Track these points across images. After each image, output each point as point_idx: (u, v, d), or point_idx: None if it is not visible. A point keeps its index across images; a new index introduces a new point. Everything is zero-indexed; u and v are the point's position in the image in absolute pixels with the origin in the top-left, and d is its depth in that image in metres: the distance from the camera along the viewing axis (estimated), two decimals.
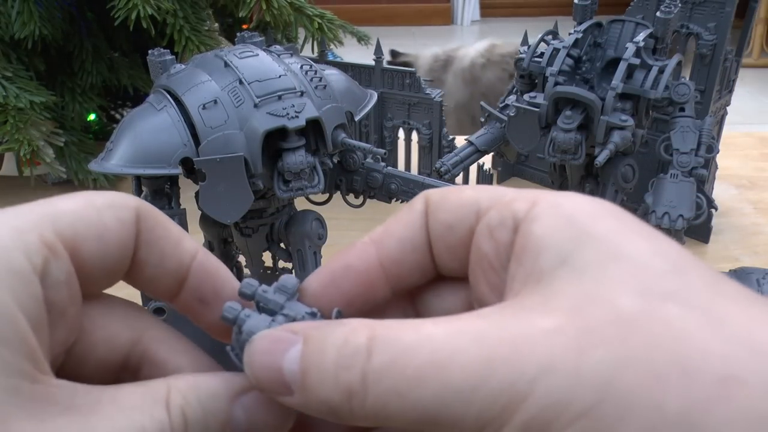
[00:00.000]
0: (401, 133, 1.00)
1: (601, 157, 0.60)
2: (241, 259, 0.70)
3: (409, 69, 0.94)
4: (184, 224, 0.53)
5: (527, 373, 0.17)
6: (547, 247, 0.20)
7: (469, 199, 0.23)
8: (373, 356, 0.19)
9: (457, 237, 0.23)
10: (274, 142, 0.50)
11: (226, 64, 0.51)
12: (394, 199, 0.60)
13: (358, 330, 0.19)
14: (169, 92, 0.52)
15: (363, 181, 0.60)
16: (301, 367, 0.20)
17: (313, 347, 0.20)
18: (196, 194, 0.52)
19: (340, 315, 0.23)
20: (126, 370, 0.23)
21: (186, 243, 0.23)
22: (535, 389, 0.17)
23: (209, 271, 0.23)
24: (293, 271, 0.59)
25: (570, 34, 0.67)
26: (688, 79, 0.72)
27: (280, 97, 0.50)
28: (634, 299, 0.18)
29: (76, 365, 0.22)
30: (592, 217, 0.23)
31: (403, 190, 0.59)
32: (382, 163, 0.60)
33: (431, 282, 0.25)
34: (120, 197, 0.22)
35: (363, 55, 1.05)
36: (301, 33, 0.99)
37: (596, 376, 0.17)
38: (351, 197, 0.61)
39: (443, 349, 0.18)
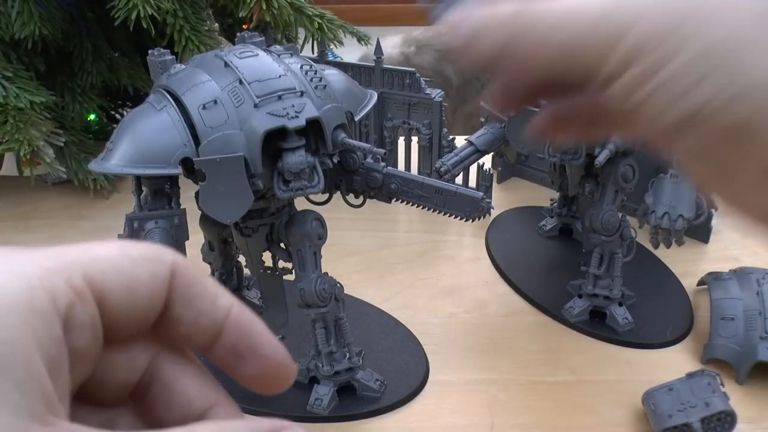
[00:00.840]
0: (401, 133, 1.00)
1: (601, 157, 0.60)
2: (241, 259, 0.70)
3: (409, 69, 0.94)
4: (184, 224, 0.53)
5: (629, 15, 0.23)
6: None
7: None
8: (528, 12, 0.25)
9: None
10: (274, 142, 0.50)
11: (226, 64, 0.51)
12: (394, 199, 0.60)
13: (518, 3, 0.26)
14: (169, 92, 0.52)
15: (363, 181, 0.59)
16: (481, 22, 0.27)
17: (492, 9, 0.26)
18: (196, 194, 0.52)
19: None
20: (137, 388, 0.23)
21: (221, 299, 0.23)
22: (635, 24, 0.23)
23: (244, 327, 0.23)
24: (293, 271, 0.59)
25: None
26: None
27: (280, 97, 0.50)
28: None
29: (93, 387, 0.22)
30: None
31: (403, 190, 0.59)
32: (382, 163, 0.60)
33: None
34: (157, 251, 0.22)
35: (363, 56, 1.04)
36: (301, 33, 0.99)
37: (684, 6, 0.22)
38: (351, 197, 0.61)
39: (573, 4, 0.24)
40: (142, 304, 0.21)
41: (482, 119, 0.75)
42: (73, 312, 0.19)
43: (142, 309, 0.21)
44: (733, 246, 0.86)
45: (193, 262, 0.55)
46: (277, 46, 0.56)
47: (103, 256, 0.20)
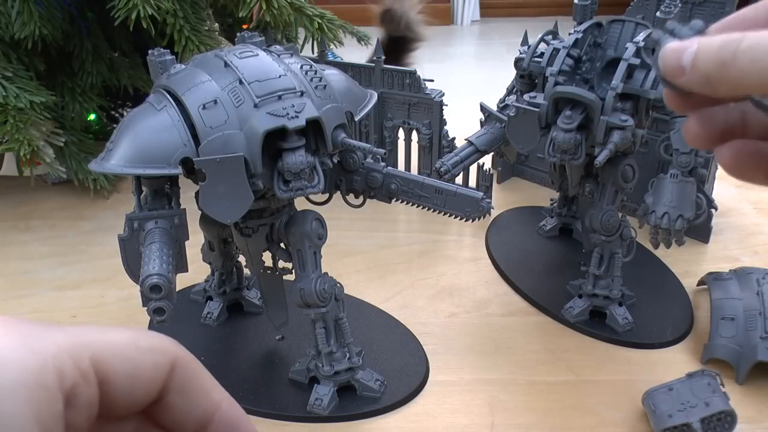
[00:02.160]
0: (401, 133, 1.00)
1: (601, 157, 0.60)
2: (241, 259, 0.70)
3: (409, 69, 0.94)
4: (184, 224, 0.53)
5: None
6: None
7: None
8: (743, 42, 0.27)
9: None
10: (274, 142, 0.50)
11: (226, 64, 0.51)
12: (394, 199, 0.60)
13: (736, 33, 0.28)
14: (169, 92, 0.52)
15: (363, 181, 0.59)
16: (695, 54, 0.29)
17: (704, 43, 0.29)
18: (196, 194, 0.52)
19: None
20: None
21: (214, 393, 0.25)
22: None
23: (232, 422, 0.25)
24: (293, 270, 0.59)
25: (570, 34, 0.67)
26: None
27: (280, 97, 0.50)
28: None
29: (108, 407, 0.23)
30: None
31: (403, 190, 0.59)
32: (382, 163, 0.60)
33: None
34: (163, 343, 0.24)
35: (363, 56, 1.05)
36: (301, 33, 0.99)
37: None
38: (351, 197, 0.61)
39: None
40: (140, 392, 0.23)
41: (482, 119, 0.75)
42: (76, 391, 0.21)
43: (138, 395, 0.23)
44: (733, 246, 0.86)
45: (193, 260, 0.55)
46: (277, 46, 0.56)
47: (115, 342, 0.22)
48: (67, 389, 0.21)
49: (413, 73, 0.94)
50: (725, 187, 0.96)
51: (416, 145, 0.98)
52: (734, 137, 0.32)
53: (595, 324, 0.72)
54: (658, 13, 0.66)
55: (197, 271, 0.70)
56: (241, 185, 0.49)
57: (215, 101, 0.49)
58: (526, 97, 0.66)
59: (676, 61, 0.30)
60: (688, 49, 0.30)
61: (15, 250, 0.89)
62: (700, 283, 0.77)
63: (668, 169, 0.65)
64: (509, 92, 0.82)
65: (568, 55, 0.65)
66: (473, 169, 0.92)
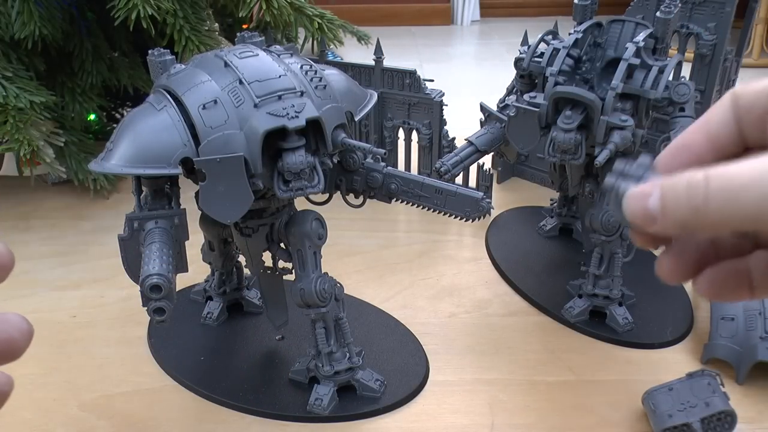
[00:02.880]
0: (401, 133, 1.00)
1: (601, 157, 0.60)
2: (241, 259, 0.70)
3: (409, 69, 0.94)
4: (184, 224, 0.53)
5: None
6: None
7: (762, 88, 0.32)
8: (710, 183, 0.28)
9: (755, 116, 0.32)
10: (274, 142, 0.50)
11: (226, 64, 0.51)
12: (394, 199, 0.60)
13: (696, 173, 0.29)
14: (169, 92, 0.52)
15: (363, 181, 0.59)
16: (661, 202, 0.30)
17: (668, 189, 0.30)
18: (196, 194, 0.52)
19: None
20: None
21: None
22: None
23: None
24: (293, 270, 0.59)
25: (570, 34, 0.67)
26: (687, 78, 0.72)
27: (280, 97, 0.50)
28: None
29: None
30: None
31: (403, 190, 0.59)
32: (382, 163, 0.60)
33: (740, 153, 0.33)
34: None
35: (363, 56, 1.04)
36: (301, 33, 0.99)
37: None
38: (351, 197, 0.61)
39: (756, 168, 0.27)
40: None
41: (482, 119, 0.75)
42: None
43: None
44: None
45: (193, 260, 0.55)
46: (277, 46, 0.56)
47: None
48: None
49: (413, 73, 0.94)
50: None
51: (416, 145, 0.98)
52: (708, 263, 0.33)
53: (595, 324, 0.72)
54: (658, 13, 0.66)
55: (197, 271, 0.70)
56: (241, 185, 0.49)
57: (215, 101, 0.49)
58: (526, 97, 0.66)
59: (643, 210, 0.31)
60: (651, 196, 0.30)
61: (15, 250, 0.88)
62: None
63: None
64: (509, 92, 0.82)
65: (568, 55, 0.65)
66: (473, 169, 0.92)
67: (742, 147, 0.34)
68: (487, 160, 0.96)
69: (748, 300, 0.35)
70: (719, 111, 0.33)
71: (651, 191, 0.30)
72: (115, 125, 0.58)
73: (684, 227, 0.29)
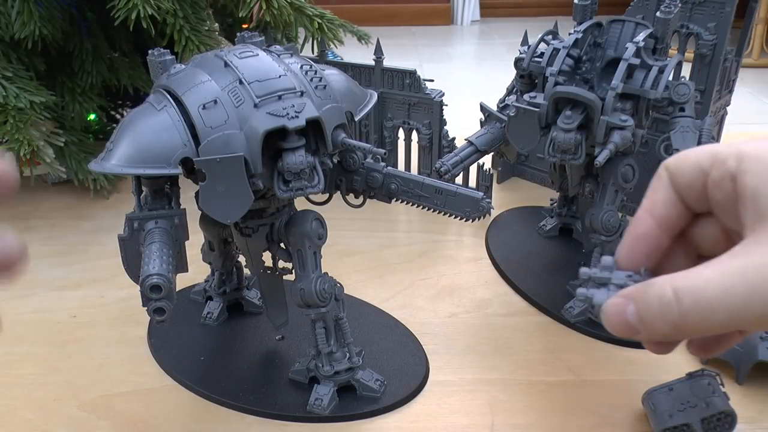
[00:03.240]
0: (401, 133, 1.00)
1: (601, 157, 0.60)
2: (241, 259, 0.70)
3: (409, 69, 0.94)
4: (184, 224, 0.53)
5: None
6: (759, 192, 0.30)
7: (696, 165, 0.34)
8: (681, 302, 0.30)
9: (696, 191, 0.34)
10: (274, 142, 0.50)
11: (226, 64, 0.51)
12: (394, 199, 0.60)
13: (664, 286, 0.31)
14: (169, 92, 0.52)
15: (363, 181, 0.59)
16: (639, 319, 0.32)
17: (641, 305, 0.32)
18: (196, 194, 0.52)
19: (646, 270, 0.35)
20: None
21: None
22: None
23: None
24: (293, 270, 0.59)
25: (570, 34, 0.67)
26: (687, 78, 0.72)
27: (280, 97, 0.50)
28: None
29: None
30: None
31: (403, 190, 0.59)
32: (382, 163, 0.60)
33: (692, 220, 0.36)
34: None
35: (363, 55, 1.05)
36: (301, 33, 0.99)
37: None
38: (351, 197, 0.61)
39: (719, 286, 0.29)
40: None
41: (482, 119, 0.75)
42: None
43: None
44: None
45: (193, 260, 0.55)
46: (277, 46, 0.56)
47: None
48: None
49: (413, 73, 0.94)
50: None
51: (416, 145, 0.98)
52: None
53: (595, 324, 0.72)
54: (658, 13, 0.66)
55: (197, 271, 0.70)
56: (241, 185, 0.49)
57: (215, 101, 0.49)
58: (526, 97, 0.66)
59: (624, 326, 0.33)
60: (627, 309, 0.32)
61: None
62: None
63: None
64: (509, 92, 0.82)
65: (568, 55, 0.65)
66: (473, 169, 0.92)
67: (690, 216, 0.36)
68: (487, 160, 0.97)
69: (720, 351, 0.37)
70: (660, 194, 0.36)
71: (626, 306, 0.33)
72: (115, 125, 0.58)
73: (666, 337, 0.32)
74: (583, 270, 0.35)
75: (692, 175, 0.34)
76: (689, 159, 0.34)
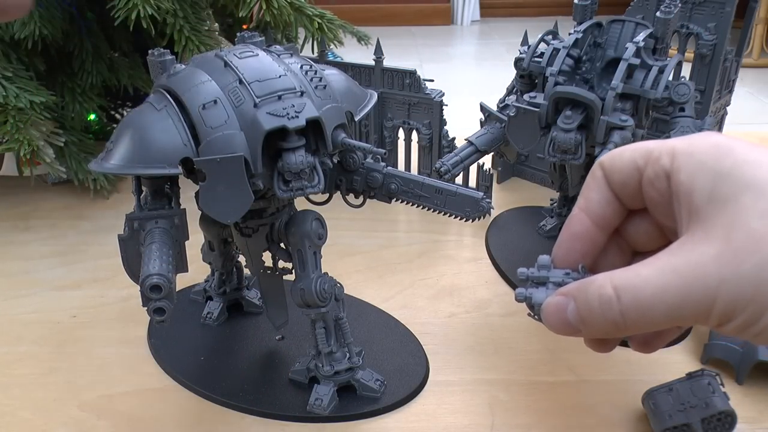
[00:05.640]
0: (401, 133, 1.00)
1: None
2: (241, 259, 0.70)
3: (409, 69, 0.94)
4: (184, 224, 0.53)
5: (711, 286, 0.28)
6: (693, 190, 0.30)
7: (630, 162, 0.34)
8: (621, 300, 0.30)
9: (631, 189, 0.34)
10: (274, 142, 0.50)
11: (226, 64, 0.51)
12: (394, 199, 0.60)
13: (604, 284, 0.31)
14: (169, 92, 0.52)
15: (363, 181, 0.59)
16: (579, 317, 0.32)
17: (582, 303, 0.32)
18: (196, 194, 0.52)
19: (584, 268, 0.35)
20: None
21: None
22: (719, 293, 0.28)
23: None
24: (293, 270, 0.59)
25: (570, 34, 0.67)
26: (687, 78, 0.72)
27: (280, 97, 0.50)
28: (761, 221, 0.28)
29: None
30: (719, 158, 0.30)
31: (403, 190, 0.59)
32: (382, 163, 0.60)
33: (627, 217, 0.36)
34: None
35: (363, 55, 1.05)
36: (301, 33, 0.99)
37: (751, 276, 0.28)
38: (351, 197, 0.61)
39: (657, 284, 0.29)
40: None
41: (482, 119, 0.75)
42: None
43: None
44: None
45: (193, 260, 0.55)
46: (277, 46, 0.56)
47: None
48: None
49: (413, 73, 0.94)
50: None
51: (416, 145, 0.98)
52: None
53: None
54: (658, 13, 0.66)
55: (197, 271, 0.70)
56: (241, 185, 0.49)
57: (215, 101, 0.49)
58: (526, 97, 0.66)
59: (564, 324, 0.33)
60: (567, 308, 0.33)
61: (15, 250, 0.89)
62: None
63: None
64: (509, 92, 0.82)
65: (568, 55, 0.65)
66: (473, 169, 0.92)
67: (625, 213, 0.36)
68: (487, 160, 0.97)
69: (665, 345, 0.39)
70: (596, 193, 0.36)
71: (565, 304, 0.33)
72: (115, 125, 0.58)
73: (606, 335, 0.32)
74: (521, 270, 0.35)
75: (627, 173, 0.34)
76: (624, 157, 0.34)
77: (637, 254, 0.38)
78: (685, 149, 0.31)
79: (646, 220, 0.36)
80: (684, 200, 0.31)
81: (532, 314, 0.36)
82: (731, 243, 0.28)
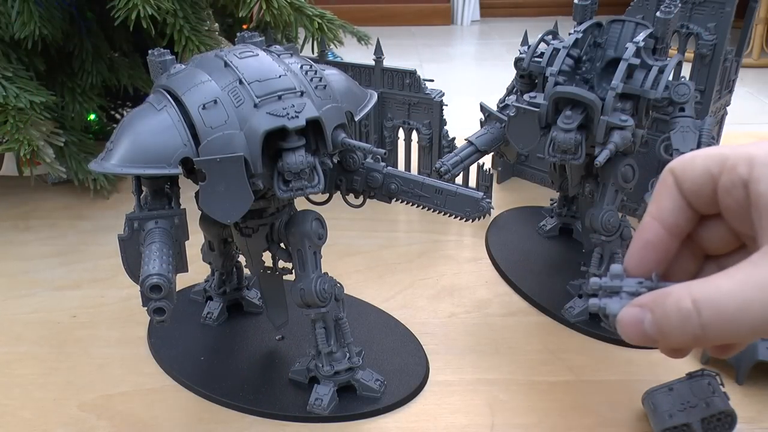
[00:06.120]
0: (401, 133, 1.00)
1: (601, 157, 0.60)
2: (241, 259, 0.70)
3: (409, 69, 0.94)
4: (184, 224, 0.53)
5: None
6: None
7: (704, 170, 0.33)
8: (702, 314, 0.29)
9: (705, 197, 0.33)
10: (274, 142, 0.50)
11: (226, 64, 0.51)
12: (394, 199, 0.60)
13: (683, 297, 0.30)
14: (169, 92, 0.52)
15: (363, 181, 0.59)
16: (657, 329, 0.31)
17: (659, 316, 0.31)
18: (196, 194, 0.52)
19: (657, 276, 0.35)
20: None
21: None
22: None
23: None
24: (293, 270, 0.59)
25: (570, 34, 0.67)
26: (687, 78, 0.72)
27: (280, 97, 0.50)
28: None
29: None
30: None
31: (403, 190, 0.59)
32: (382, 163, 0.60)
33: (699, 222, 0.36)
34: None
35: (363, 55, 1.05)
36: (301, 33, 0.99)
37: None
38: (351, 197, 0.61)
39: (740, 298, 0.29)
40: None
41: (482, 119, 0.75)
42: None
43: None
44: None
45: (193, 260, 0.55)
46: (277, 46, 0.56)
47: None
48: None
49: (413, 73, 0.94)
50: None
51: (416, 145, 0.98)
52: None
53: (595, 324, 0.72)
54: (658, 13, 0.66)
55: (197, 271, 0.70)
56: (241, 185, 0.49)
57: (215, 101, 0.49)
58: (526, 97, 0.66)
59: (641, 335, 0.32)
60: (644, 321, 0.32)
61: (15, 250, 0.89)
62: None
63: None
64: (509, 92, 0.82)
65: (568, 55, 0.65)
66: (473, 169, 0.92)
67: (698, 219, 0.36)
68: (487, 160, 0.97)
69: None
70: (668, 200, 0.35)
71: (642, 316, 0.32)
72: (115, 125, 0.58)
73: (685, 346, 0.33)
74: (594, 280, 0.34)
75: (700, 180, 0.33)
76: (696, 164, 0.33)
77: (709, 258, 0.37)
78: (763, 157, 0.31)
79: (719, 225, 0.35)
80: (764, 211, 0.30)
81: (606, 324, 0.36)
82: None
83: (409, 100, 0.95)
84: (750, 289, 0.29)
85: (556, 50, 0.66)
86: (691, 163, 0.34)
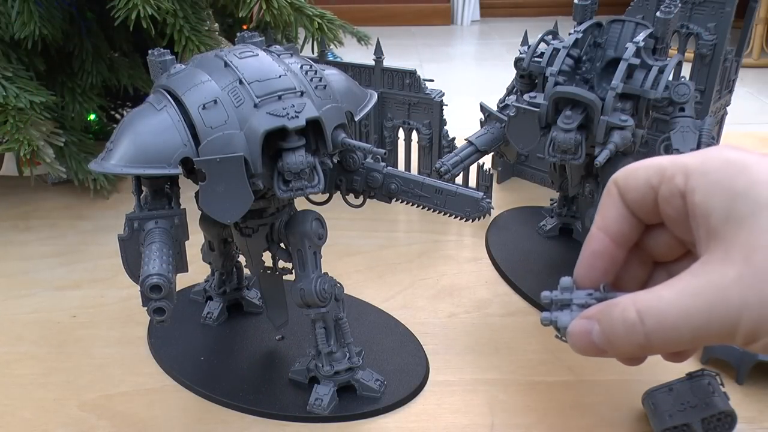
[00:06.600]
0: (401, 133, 1.00)
1: (601, 157, 0.60)
2: (241, 259, 0.70)
3: (409, 69, 0.94)
4: (184, 224, 0.53)
5: (733, 308, 0.28)
6: (710, 210, 0.30)
7: (645, 181, 0.34)
8: (645, 323, 0.30)
9: (647, 207, 0.34)
10: (274, 142, 0.50)
11: (226, 64, 0.51)
12: (394, 199, 0.60)
13: (627, 308, 0.31)
14: (169, 92, 0.52)
15: (363, 181, 0.59)
16: (605, 340, 0.32)
17: (606, 326, 0.32)
18: (196, 194, 0.52)
19: (606, 287, 0.36)
20: None
21: None
22: (742, 316, 0.28)
23: None
24: (293, 270, 0.59)
25: (570, 34, 0.67)
26: (687, 78, 0.72)
27: (280, 97, 0.50)
28: None
29: None
30: (733, 176, 0.30)
31: (402, 190, 0.59)
32: (382, 163, 0.60)
33: (645, 230, 0.36)
34: None
35: (363, 56, 1.05)
36: (301, 33, 0.99)
37: None
38: (351, 197, 0.61)
39: (680, 307, 0.30)
40: None
41: (482, 119, 0.75)
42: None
43: None
44: None
45: (193, 260, 0.55)
46: (277, 46, 0.56)
47: None
48: None
49: (413, 73, 0.94)
50: None
51: (416, 145, 0.98)
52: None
53: None
54: (658, 13, 0.66)
55: (197, 271, 0.70)
56: (241, 185, 0.49)
57: (215, 101, 0.49)
58: (526, 97, 0.66)
59: (590, 346, 0.33)
60: (592, 331, 0.33)
61: (15, 250, 0.89)
62: None
63: None
64: (509, 92, 0.82)
65: (568, 55, 0.65)
66: (473, 169, 0.92)
67: (643, 227, 0.37)
68: (487, 160, 0.97)
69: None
70: (613, 211, 0.36)
71: (590, 328, 0.33)
72: (115, 125, 0.58)
73: (633, 355, 0.33)
74: (545, 293, 0.35)
75: (642, 191, 0.34)
76: (638, 175, 0.34)
77: (658, 264, 0.38)
78: (698, 168, 0.31)
79: (664, 234, 0.36)
80: (701, 221, 0.31)
81: (559, 336, 0.36)
82: (752, 265, 0.28)
83: (409, 100, 0.95)
84: (689, 297, 0.30)
85: (556, 50, 0.66)
86: (633, 174, 0.35)
